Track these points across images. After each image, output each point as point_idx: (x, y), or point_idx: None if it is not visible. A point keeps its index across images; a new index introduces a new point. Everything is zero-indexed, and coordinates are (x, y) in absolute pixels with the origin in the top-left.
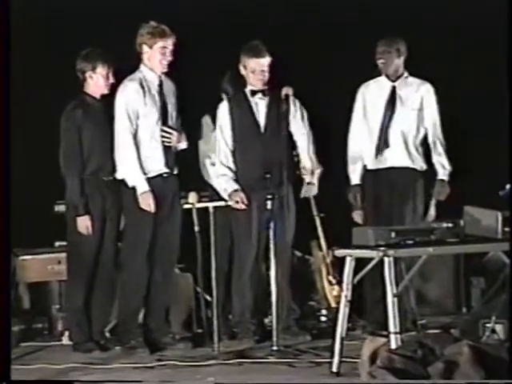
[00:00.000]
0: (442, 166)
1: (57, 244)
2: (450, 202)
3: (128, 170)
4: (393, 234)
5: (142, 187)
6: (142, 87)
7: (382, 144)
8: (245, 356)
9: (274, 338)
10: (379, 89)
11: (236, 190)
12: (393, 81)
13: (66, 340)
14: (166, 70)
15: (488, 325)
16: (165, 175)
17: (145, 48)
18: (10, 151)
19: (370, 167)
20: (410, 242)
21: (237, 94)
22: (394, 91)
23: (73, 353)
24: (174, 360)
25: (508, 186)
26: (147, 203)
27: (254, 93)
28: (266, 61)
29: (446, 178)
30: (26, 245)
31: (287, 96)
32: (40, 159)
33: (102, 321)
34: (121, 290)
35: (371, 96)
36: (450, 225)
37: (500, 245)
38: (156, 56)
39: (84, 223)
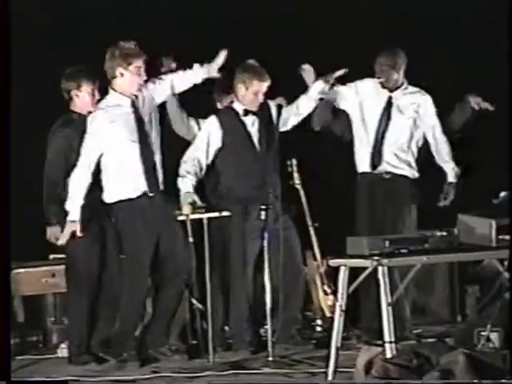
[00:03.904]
0: (452, 168)
1: (51, 257)
2: (444, 210)
3: (69, 196)
4: (387, 243)
5: (73, 216)
6: (109, 113)
7: (377, 158)
8: (240, 367)
9: (270, 349)
10: (376, 95)
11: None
12: (391, 91)
13: (61, 352)
14: (137, 93)
15: (483, 333)
16: (150, 194)
17: (120, 70)
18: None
19: (363, 172)
20: (404, 250)
21: (224, 109)
22: (390, 101)
23: (68, 365)
24: (170, 372)
25: (502, 194)
26: (66, 232)
27: (246, 112)
28: (267, 84)
29: (455, 180)
30: (20, 258)
31: (280, 107)
32: (35, 171)
33: (104, 333)
34: (121, 303)
35: (368, 100)
36: (444, 233)
37: (494, 253)
38: (131, 77)
39: (52, 232)
